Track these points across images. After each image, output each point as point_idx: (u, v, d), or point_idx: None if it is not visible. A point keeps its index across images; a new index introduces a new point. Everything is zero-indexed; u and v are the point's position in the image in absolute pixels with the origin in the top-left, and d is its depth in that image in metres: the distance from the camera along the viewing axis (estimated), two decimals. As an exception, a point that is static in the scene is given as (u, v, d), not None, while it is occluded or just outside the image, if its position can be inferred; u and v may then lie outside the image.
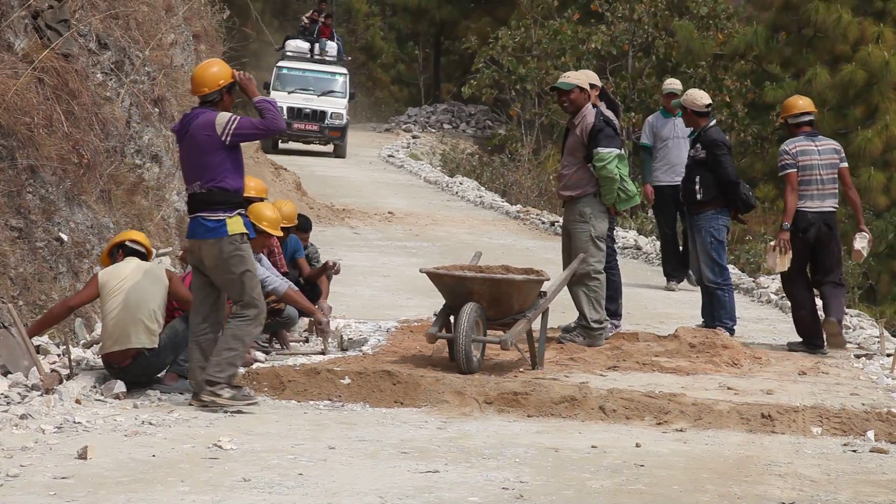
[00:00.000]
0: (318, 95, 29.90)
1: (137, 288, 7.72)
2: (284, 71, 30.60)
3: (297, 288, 9.02)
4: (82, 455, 6.07)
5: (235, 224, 7.38)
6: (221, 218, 7.35)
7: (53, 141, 9.17)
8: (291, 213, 9.49)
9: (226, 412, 7.27)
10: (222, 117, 7.38)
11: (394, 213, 19.68)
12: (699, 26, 25.32)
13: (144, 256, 8.06)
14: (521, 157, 26.22)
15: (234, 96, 7.57)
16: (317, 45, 31.89)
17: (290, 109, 28.85)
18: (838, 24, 22.90)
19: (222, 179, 7.38)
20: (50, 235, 8.94)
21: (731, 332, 10.12)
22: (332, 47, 32.21)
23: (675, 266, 13.57)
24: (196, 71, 7.51)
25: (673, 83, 13.76)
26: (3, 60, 9.07)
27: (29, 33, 9.54)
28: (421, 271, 8.87)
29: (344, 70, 31.53)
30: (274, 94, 29.16)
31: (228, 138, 7.38)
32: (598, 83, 9.77)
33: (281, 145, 29.85)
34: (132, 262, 7.92)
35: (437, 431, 7.03)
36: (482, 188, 25.03)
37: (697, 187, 10.14)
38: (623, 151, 9.52)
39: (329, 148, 31.07)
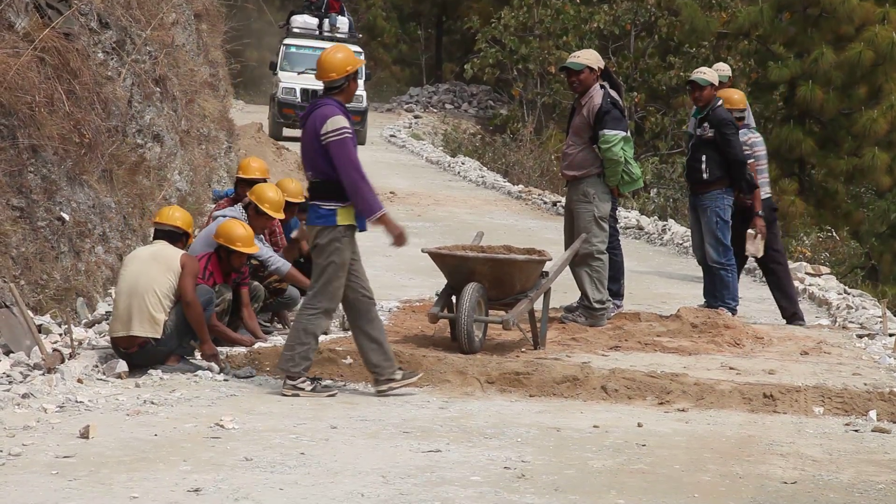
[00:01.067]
0: None
1: (144, 274, 7.69)
2: (292, 49, 28.63)
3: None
4: (84, 434, 6.08)
5: (345, 215, 7.39)
6: (333, 207, 7.36)
7: (55, 120, 9.15)
8: (297, 190, 9.47)
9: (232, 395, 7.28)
10: (334, 122, 7.30)
11: (395, 194, 19.66)
12: (703, 5, 25.23)
13: (178, 236, 7.97)
14: (522, 137, 26.19)
15: (356, 84, 7.59)
16: (326, 21, 29.61)
17: (304, 91, 27.36)
18: (844, 4, 22.81)
19: (331, 173, 7.32)
20: (51, 215, 8.94)
21: (734, 312, 10.12)
22: (342, 23, 29.81)
23: None
24: (323, 56, 7.49)
25: (723, 67, 11.95)
26: (4, 39, 9.05)
27: (30, 12, 9.51)
28: (423, 251, 8.86)
29: (358, 48, 28.35)
30: (282, 75, 27.91)
31: (325, 141, 7.31)
32: (602, 63, 9.73)
33: (288, 132, 27.62)
34: (154, 246, 7.89)
35: (439, 411, 7.04)
36: (484, 168, 25.02)
37: (703, 167, 10.12)
38: (628, 133, 9.50)
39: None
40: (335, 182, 7.31)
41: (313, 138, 7.33)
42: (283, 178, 9.70)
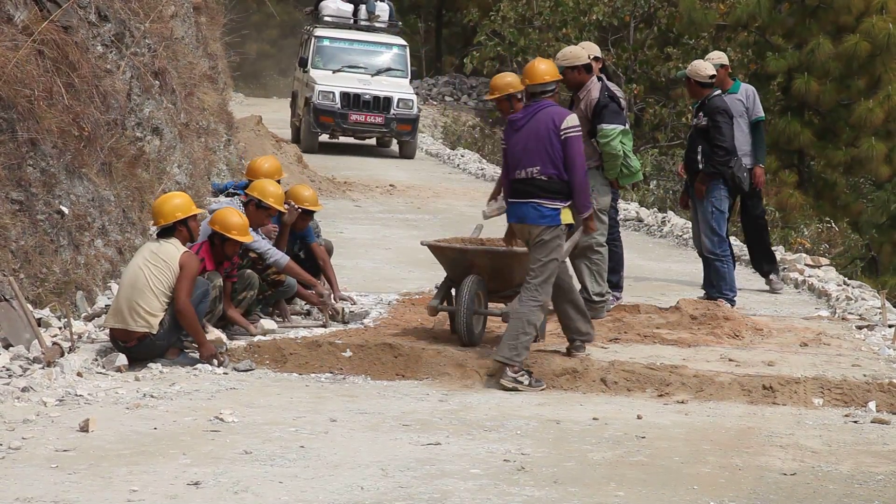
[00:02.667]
0: (373, 75, 23.63)
1: (141, 270, 7.68)
2: (326, 42, 23.92)
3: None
4: (84, 428, 6.09)
5: (567, 215, 7.81)
6: (557, 207, 7.76)
7: (54, 113, 9.15)
8: (313, 198, 9.47)
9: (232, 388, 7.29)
10: (573, 119, 7.80)
11: (395, 186, 19.65)
12: (701, -4, 25.21)
13: (174, 228, 7.89)
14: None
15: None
16: (362, 8, 25.01)
17: (344, 96, 22.91)
18: (843, -6, 22.82)
19: (561, 170, 7.75)
20: (51, 208, 8.93)
21: (732, 303, 10.14)
22: (382, 9, 25.20)
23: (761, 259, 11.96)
24: (533, 65, 7.96)
25: (719, 56, 11.71)
26: (3, 32, 9.04)
27: (28, 5, 9.49)
28: (422, 244, 8.86)
29: (402, 40, 24.85)
30: (315, 74, 23.37)
31: (565, 136, 7.76)
32: (586, 54, 9.58)
33: (324, 139, 23.98)
34: (158, 242, 7.85)
35: (439, 404, 7.04)
36: (484, 161, 25.00)
37: (699, 157, 10.17)
38: (627, 126, 9.48)
39: (391, 146, 25.25)
40: (563, 181, 7.75)
41: (546, 135, 7.74)
42: (297, 185, 9.63)
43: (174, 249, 7.74)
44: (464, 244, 8.78)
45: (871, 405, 7.25)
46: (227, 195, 9.46)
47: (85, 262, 9.19)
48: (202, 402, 6.83)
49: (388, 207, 17.28)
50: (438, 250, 8.70)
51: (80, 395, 6.79)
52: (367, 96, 23.06)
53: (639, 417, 6.87)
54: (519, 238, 8.04)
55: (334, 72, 23.45)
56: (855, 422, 6.98)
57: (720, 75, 10.75)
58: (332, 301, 9.20)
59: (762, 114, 11.40)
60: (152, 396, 6.90)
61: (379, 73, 23.65)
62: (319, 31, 24.11)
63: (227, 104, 17.00)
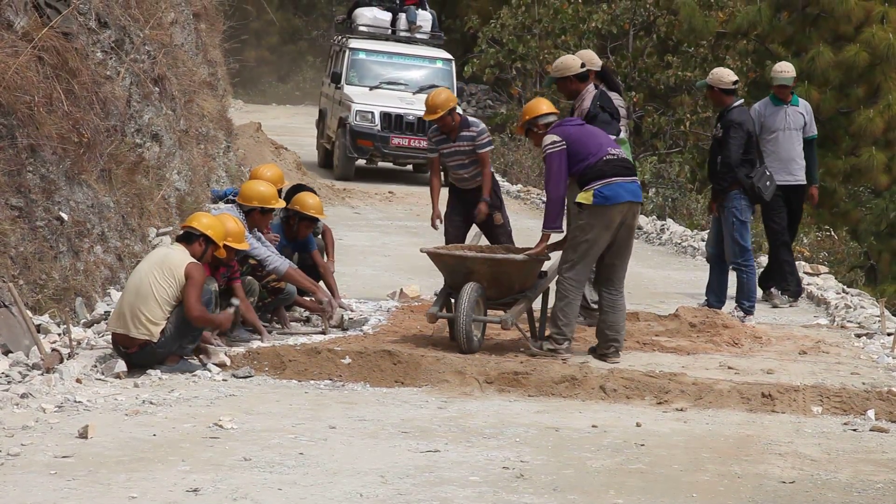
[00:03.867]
0: (415, 93, 20.56)
1: (146, 278, 7.67)
2: (362, 56, 21.12)
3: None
4: (83, 434, 6.08)
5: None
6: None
7: (53, 120, 9.15)
8: (318, 206, 9.49)
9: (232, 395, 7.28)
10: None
11: (394, 193, 19.65)
12: (701, 5, 25.23)
13: (195, 237, 7.90)
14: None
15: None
16: (401, 17, 22.29)
17: (385, 116, 20.18)
18: (842, 3, 22.82)
19: None
20: (50, 215, 8.93)
21: (749, 312, 10.15)
22: (424, 19, 22.45)
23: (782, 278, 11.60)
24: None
25: (787, 68, 11.58)
26: (3, 39, 9.04)
27: (29, 11, 9.50)
28: (421, 251, 8.87)
29: (446, 53, 22.03)
30: (350, 92, 20.66)
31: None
32: (594, 63, 9.56)
33: (361, 163, 21.02)
34: (166, 249, 7.87)
35: (438, 411, 7.04)
36: (483, 167, 24.92)
37: (719, 168, 10.22)
38: (625, 135, 9.47)
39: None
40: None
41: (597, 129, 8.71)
42: (303, 193, 9.62)
43: (180, 258, 7.72)
44: (463, 251, 8.79)
45: (870, 413, 7.25)
46: (227, 202, 9.47)
47: (84, 268, 9.19)
48: (201, 409, 6.83)
49: (387, 214, 17.28)
50: (437, 257, 8.71)
51: (80, 402, 6.79)
52: (410, 117, 20.21)
53: (638, 425, 6.87)
54: (612, 222, 8.32)
55: (371, 88, 20.80)
56: (854, 430, 6.98)
57: (726, 97, 10.59)
58: (332, 308, 9.20)
59: (815, 132, 11.39)
60: (151, 403, 6.90)
61: (422, 90, 20.14)
62: (355, 43, 21.25)
63: (226, 111, 17.00)
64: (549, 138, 8.42)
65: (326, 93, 22.50)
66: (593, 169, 8.31)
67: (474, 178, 10.11)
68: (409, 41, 21.95)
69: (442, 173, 10.78)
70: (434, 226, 10.51)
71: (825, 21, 23.44)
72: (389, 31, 22.02)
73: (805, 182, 11.38)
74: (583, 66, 9.26)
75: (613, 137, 9.21)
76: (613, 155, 8.43)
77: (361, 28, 21.89)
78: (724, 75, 10.32)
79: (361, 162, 20.98)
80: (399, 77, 21.17)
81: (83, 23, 10.45)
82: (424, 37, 22.18)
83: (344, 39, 21.81)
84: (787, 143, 11.35)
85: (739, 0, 25.91)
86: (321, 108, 22.75)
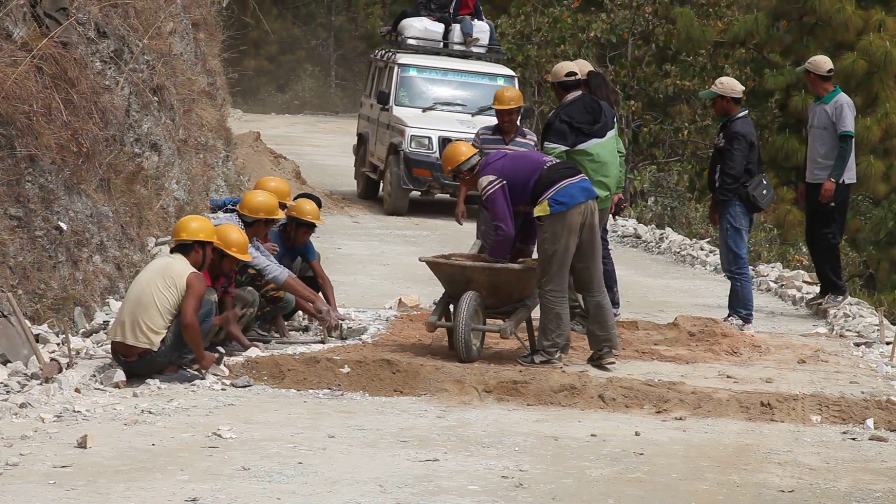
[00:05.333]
0: (474, 114, 18.09)
1: (147, 287, 7.67)
2: (412, 73, 18.54)
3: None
4: (82, 444, 6.08)
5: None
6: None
7: (52, 129, 9.16)
8: (315, 211, 9.49)
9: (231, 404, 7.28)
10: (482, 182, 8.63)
11: (394, 202, 19.61)
12: (699, 14, 25.28)
13: (190, 247, 7.89)
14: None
15: None
16: (455, 28, 19.44)
17: (444, 142, 17.29)
18: (840, 12, 22.86)
19: None
20: (49, 224, 8.94)
21: (746, 320, 10.16)
22: (481, 30, 19.66)
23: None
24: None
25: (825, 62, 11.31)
26: (2, 49, 9.06)
27: (28, 21, 9.52)
28: (420, 260, 8.87)
29: (507, 69, 19.70)
30: (402, 114, 18.19)
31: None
32: (581, 72, 9.47)
33: (414, 194, 18.58)
34: (167, 259, 7.86)
35: (437, 420, 7.04)
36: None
37: (717, 176, 10.22)
38: (587, 146, 9.14)
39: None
40: None
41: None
42: (300, 199, 9.61)
43: (182, 268, 7.72)
44: (461, 260, 8.79)
45: (869, 422, 7.25)
46: (226, 211, 9.46)
47: (83, 277, 9.19)
48: (200, 419, 6.82)
49: (385, 223, 17.28)
50: (436, 266, 8.71)
51: (78, 412, 6.79)
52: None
53: (637, 434, 6.87)
54: (575, 224, 8.29)
55: (424, 110, 18.26)
56: (853, 439, 6.98)
57: (823, 83, 10.61)
58: (331, 317, 9.19)
59: (847, 128, 10.94)
60: (150, 412, 6.89)
61: (482, 111, 17.91)
62: (404, 58, 18.67)
63: (225, 120, 17.00)
64: (486, 179, 8.41)
65: (368, 115, 19.95)
66: (540, 182, 8.32)
67: None
68: (465, 56, 19.27)
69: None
70: (459, 221, 10.35)
71: (823, 29, 23.48)
72: (441, 45, 19.39)
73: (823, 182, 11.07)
74: (568, 74, 9.26)
75: (562, 148, 9.02)
76: (551, 161, 8.49)
77: (410, 41, 19.24)
78: (734, 85, 10.31)
79: (416, 193, 18.70)
80: (455, 97, 18.62)
81: (82, 33, 10.46)
82: (481, 50, 19.41)
83: (390, 54, 19.14)
84: (810, 141, 11.28)
85: (737, 9, 25.97)
86: (361, 133, 20.20)
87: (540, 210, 8.26)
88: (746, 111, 10.41)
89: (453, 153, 8.71)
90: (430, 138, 17.68)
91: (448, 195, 18.56)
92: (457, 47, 19.38)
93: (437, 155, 17.12)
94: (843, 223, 11.37)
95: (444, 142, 17.17)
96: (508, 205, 8.36)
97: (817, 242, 11.31)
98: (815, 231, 11.25)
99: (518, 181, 8.36)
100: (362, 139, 20.04)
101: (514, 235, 8.46)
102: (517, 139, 9.91)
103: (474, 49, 19.38)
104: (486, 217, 9.33)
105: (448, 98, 18.57)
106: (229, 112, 20.01)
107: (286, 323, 9.48)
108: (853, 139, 11.01)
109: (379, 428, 6.76)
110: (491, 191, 8.38)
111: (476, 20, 19.63)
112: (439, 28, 19.41)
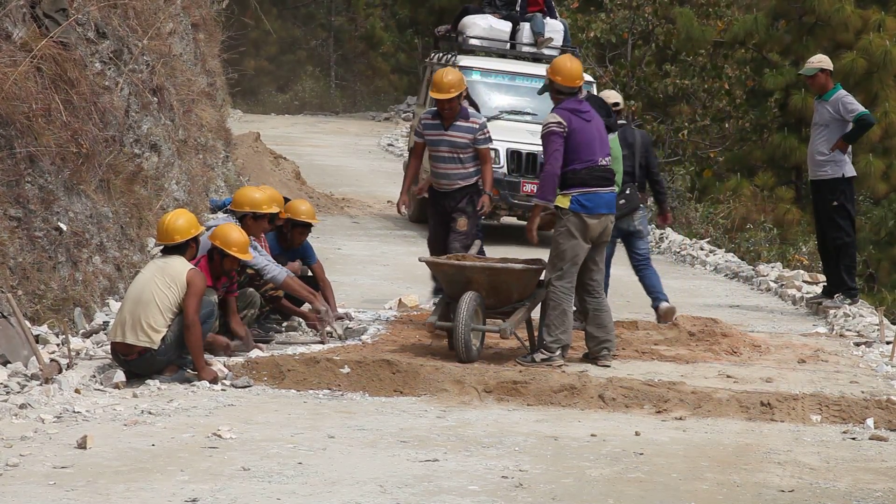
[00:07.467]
0: None
1: (147, 285, 7.68)
2: (476, 77, 16.01)
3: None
4: (82, 444, 6.08)
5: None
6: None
7: (52, 130, 9.16)
8: (311, 211, 9.51)
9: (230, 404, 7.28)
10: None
11: (393, 202, 19.63)
12: (699, 14, 25.29)
13: (181, 247, 7.91)
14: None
15: None
16: (524, 27, 16.89)
17: (513, 156, 15.31)
18: (839, 12, 22.87)
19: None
20: (49, 225, 8.94)
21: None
22: (554, 29, 17.02)
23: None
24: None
25: (819, 60, 11.47)
26: (2, 49, 9.06)
27: (27, 22, 9.52)
28: (420, 260, 8.87)
29: (587, 76, 14.89)
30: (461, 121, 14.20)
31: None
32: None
33: (484, 220, 13.85)
34: (165, 258, 7.87)
35: (437, 420, 7.04)
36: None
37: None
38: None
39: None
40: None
41: (600, 126, 8.61)
42: (294, 200, 9.62)
43: (181, 266, 7.74)
44: (461, 261, 8.79)
45: (869, 422, 7.25)
46: (225, 212, 9.46)
47: (83, 278, 9.19)
48: (200, 419, 6.82)
49: (385, 224, 17.28)
50: (436, 266, 8.71)
51: (78, 412, 6.79)
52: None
53: (637, 434, 6.87)
54: (592, 233, 8.44)
55: (489, 119, 13.73)
56: (853, 438, 6.98)
57: (820, 80, 10.83)
58: (329, 318, 9.19)
59: (859, 110, 10.97)
60: (150, 413, 6.89)
61: None
62: (466, 61, 16.18)
63: (225, 121, 17.00)
64: (555, 117, 8.44)
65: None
66: (577, 175, 8.39)
67: (456, 177, 9.81)
68: (535, 58, 16.75)
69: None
70: (399, 210, 10.39)
71: (822, 29, 23.49)
72: (509, 46, 16.92)
73: (825, 178, 11.08)
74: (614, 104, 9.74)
75: None
76: (600, 165, 8.49)
77: (473, 41, 16.77)
78: (612, 97, 10.21)
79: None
80: (525, 105, 16.09)
81: (82, 33, 10.46)
82: (554, 52, 16.25)
83: (449, 56, 16.62)
84: (811, 139, 11.29)
85: (737, 9, 25.98)
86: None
87: (561, 201, 8.39)
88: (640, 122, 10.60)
89: (294, 207, 9.19)
90: (497, 151, 14.69)
91: (516, 217, 16.12)
92: (526, 49, 16.88)
93: (504, 170, 15.22)
94: (853, 219, 11.24)
95: (513, 156, 15.30)
96: (562, 152, 8.37)
97: (828, 242, 11.26)
98: (826, 231, 11.24)
99: (569, 149, 8.42)
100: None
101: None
102: (458, 124, 9.76)
103: (546, 51, 16.70)
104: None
105: (516, 106, 16.19)
106: (229, 112, 20.02)
107: (286, 323, 9.49)
108: (870, 114, 11.13)
109: (379, 428, 6.76)
110: (551, 129, 8.41)
111: (548, 18, 17.14)
112: (506, 27, 16.91)
